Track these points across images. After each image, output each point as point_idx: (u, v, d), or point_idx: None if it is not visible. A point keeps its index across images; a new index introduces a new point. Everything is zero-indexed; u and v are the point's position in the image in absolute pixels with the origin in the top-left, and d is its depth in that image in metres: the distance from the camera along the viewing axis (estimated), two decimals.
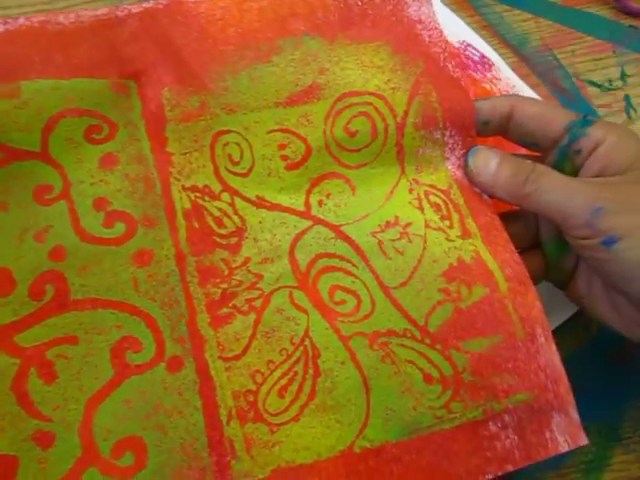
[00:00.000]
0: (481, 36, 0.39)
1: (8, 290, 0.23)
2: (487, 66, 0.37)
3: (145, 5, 0.26)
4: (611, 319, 0.27)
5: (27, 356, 0.23)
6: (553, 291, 0.30)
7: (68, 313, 0.24)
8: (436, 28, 0.27)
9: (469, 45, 0.38)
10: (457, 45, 0.37)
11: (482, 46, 0.38)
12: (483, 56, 0.37)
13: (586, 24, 0.41)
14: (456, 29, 0.38)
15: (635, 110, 0.39)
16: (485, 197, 0.28)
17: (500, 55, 0.38)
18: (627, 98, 0.39)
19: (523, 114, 0.27)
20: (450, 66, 0.27)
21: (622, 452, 0.31)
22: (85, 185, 0.25)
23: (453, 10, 0.39)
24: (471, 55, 0.37)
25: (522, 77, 0.38)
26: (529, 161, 0.26)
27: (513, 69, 0.38)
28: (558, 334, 0.32)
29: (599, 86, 0.39)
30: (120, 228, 0.25)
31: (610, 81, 0.39)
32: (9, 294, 0.23)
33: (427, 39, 0.27)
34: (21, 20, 0.25)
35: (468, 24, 0.39)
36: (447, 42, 0.27)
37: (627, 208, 0.24)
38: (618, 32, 0.40)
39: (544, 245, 0.29)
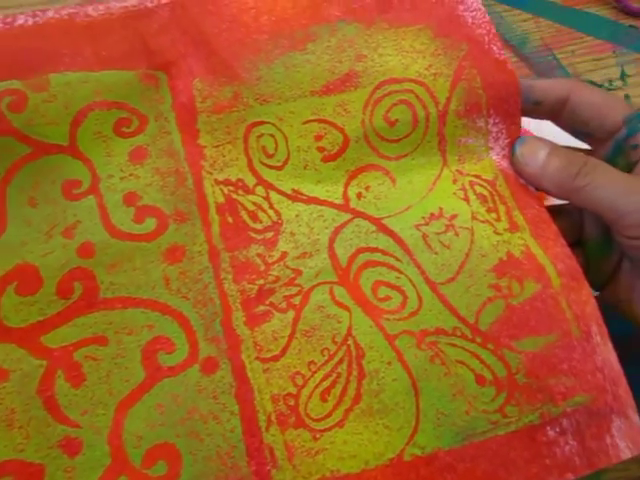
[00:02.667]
0: None
1: (34, 288, 0.22)
2: None
3: None
4: None
5: (54, 357, 0.21)
6: None
7: (97, 312, 0.22)
8: (479, 9, 0.26)
9: None
10: None
11: None
12: None
13: (586, 24, 0.40)
14: None
15: None
16: (531, 189, 0.26)
17: None
18: (627, 98, 0.38)
19: (581, 100, 0.25)
20: (495, 48, 0.26)
21: None
22: (114, 180, 0.24)
23: None
24: None
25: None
26: (581, 153, 0.25)
27: None
28: None
29: (599, 86, 0.39)
30: (151, 223, 0.23)
31: (610, 81, 0.39)
32: (35, 292, 0.22)
33: (470, 20, 0.26)
34: (50, 13, 0.24)
35: None
36: (491, 24, 0.26)
37: None
38: (618, 32, 0.40)
39: (587, 243, 0.28)
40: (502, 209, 0.25)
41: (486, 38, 0.26)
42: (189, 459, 0.21)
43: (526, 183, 0.26)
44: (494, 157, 0.26)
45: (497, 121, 0.26)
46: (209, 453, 0.21)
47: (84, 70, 0.24)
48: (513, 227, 0.25)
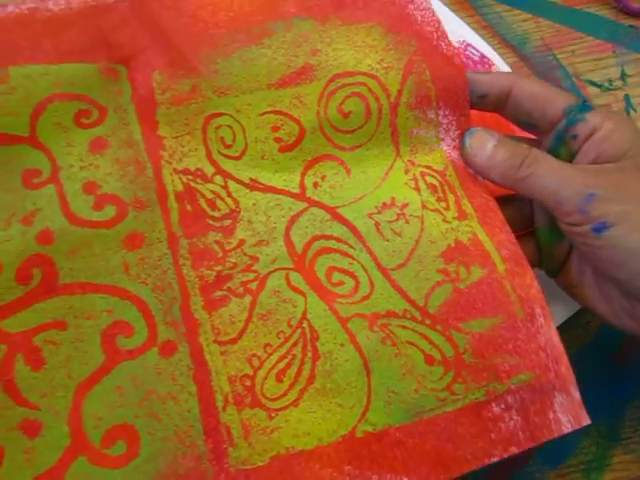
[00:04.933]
0: (481, 36, 0.38)
1: None
2: (487, 66, 0.36)
3: None
4: (601, 308, 0.27)
5: (13, 342, 0.22)
6: (552, 291, 0.29)
7: (56, 297, 0.23)
8: (428, 8, 0.27)
9: (469, 45, 0.37)
10: (457, 45, 0.37)
11: (482, 46, 0.37)
12: (483, 56, 0.37)
13: (586, 24, 0.40)
14: (456, 29, 0.38)
15: (635, 110, 0.39)
16: (480, 179, 0.27)
17: (500, 55, 0.38)
18: (627, 98, 0.39)
19: (522, 92, 0.26)
20: (443, 44, 0.27)
21: (622, 452, 0.30)
22: (74, 169, 0.24)
23: (453, 10, 0.39)
24: (471, 55, 0.37)
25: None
26: (526, 145, 0.26)
27: (513, 69, 0.38)
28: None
29: (599, 86, 0.39)
30: (110, 211, 0.24)
31: (610, 81, 0.39)
32: None
33: (419, 19, 0.27)
34: (10, 8, 0.25)
35: (468, 24, 0.39)
36: (439, 22, 0.27)
37: (619, 195, 0.24)
38: (618, 32, 0.40)
39: (538, 231, 0.29)
40: (451, 198, 0.27)
41: (435, 35, 0.27)
42: (147, 439, 0.22)
43: (474, 173, 0.27)
44: (445, 148, 0.28)
45: (447, 113, 0.27)
46: (167, 433, 0.22)
47: (44, 63, 0.24)
48: (461, 215, 0.26)
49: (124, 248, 0.24)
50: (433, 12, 0.27)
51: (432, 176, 0.27)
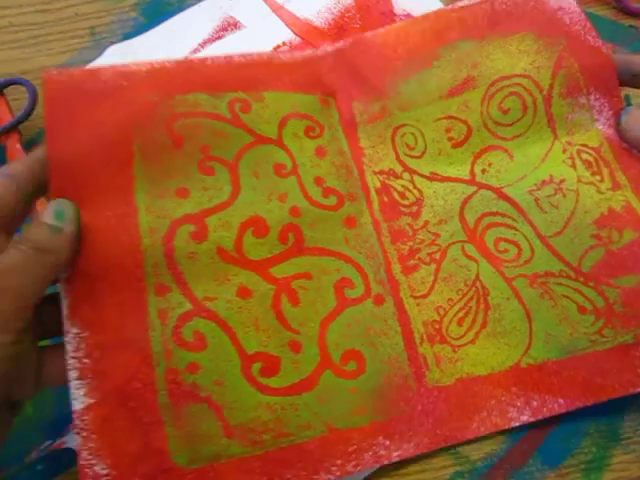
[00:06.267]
0: None
1: (264, 233, 0.31)
2: None
3: (337, 45, 0.35)
4: None
5: (280, 284, 0.31)
6: None
7: (304, 256, 0.32)
8: (576, 10, 0.31)
9: None
10: None
11: None
12: None
13: None
14: None
15: None
16: (634, 152, 0.31)
17: None
18: (627, 98, 0.38)
19: None
20: (590, 37, 0.31)
21: (622, 452, 0.31)
22: (307, 167, 0.33)
23: None
24: None
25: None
26: None
27: None
28: None
29: None
30: (333, 199, 0.33)
31: None
32: (265, 236, 0.31)
33: (568, 21, 0.31)
34: (255, 56, 0.34)
35: None
36: (586, 19, 0.31)
37: None
38: (618, 32, 0.41)
39: None
40: (605, 171, 0.31)
41: (582, 32, 0.31)
42: (370, 361, 0.31)
43: (629, 147, 0.31)
44: (600, 127, 0.32)
45: (598, 96, 0.31)
46: (383, 357, 0.32)
47: (284, 91, 0.34)
48: (615, 186, 0.31)
49: (344, 227, 0.33)
50: (580, 13, 0.31)
51: (587, 153, 0.32)
